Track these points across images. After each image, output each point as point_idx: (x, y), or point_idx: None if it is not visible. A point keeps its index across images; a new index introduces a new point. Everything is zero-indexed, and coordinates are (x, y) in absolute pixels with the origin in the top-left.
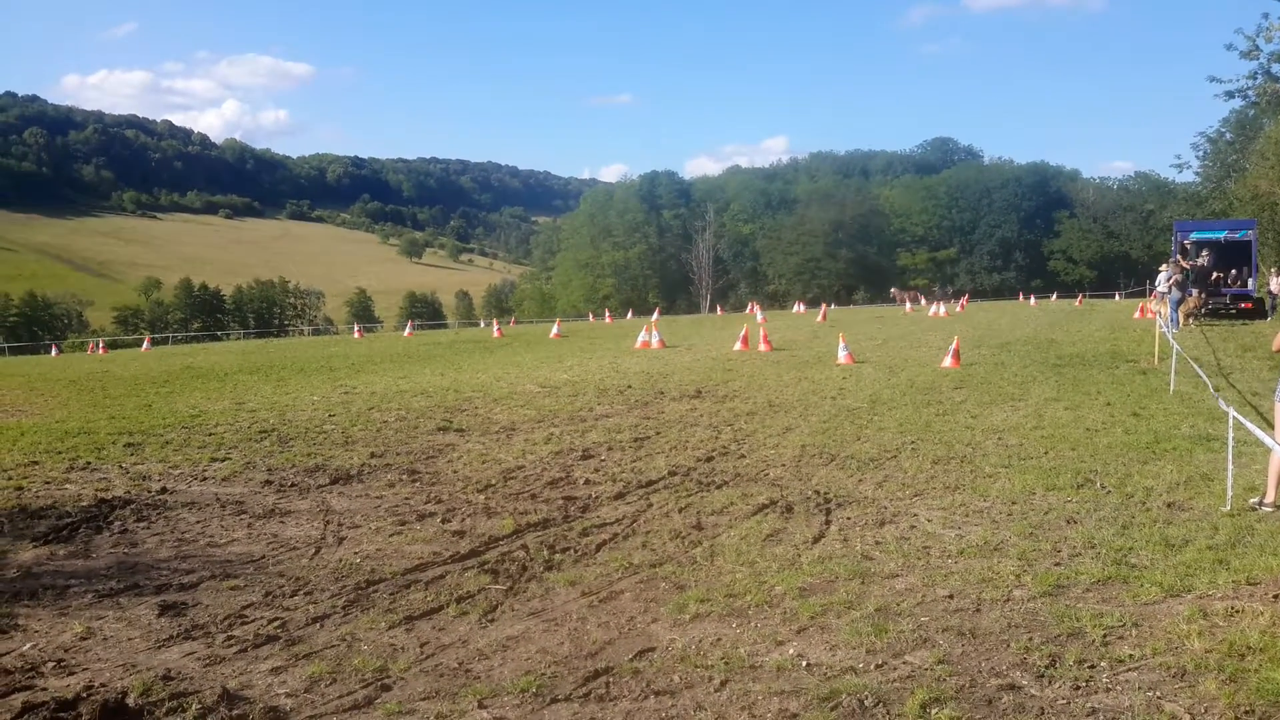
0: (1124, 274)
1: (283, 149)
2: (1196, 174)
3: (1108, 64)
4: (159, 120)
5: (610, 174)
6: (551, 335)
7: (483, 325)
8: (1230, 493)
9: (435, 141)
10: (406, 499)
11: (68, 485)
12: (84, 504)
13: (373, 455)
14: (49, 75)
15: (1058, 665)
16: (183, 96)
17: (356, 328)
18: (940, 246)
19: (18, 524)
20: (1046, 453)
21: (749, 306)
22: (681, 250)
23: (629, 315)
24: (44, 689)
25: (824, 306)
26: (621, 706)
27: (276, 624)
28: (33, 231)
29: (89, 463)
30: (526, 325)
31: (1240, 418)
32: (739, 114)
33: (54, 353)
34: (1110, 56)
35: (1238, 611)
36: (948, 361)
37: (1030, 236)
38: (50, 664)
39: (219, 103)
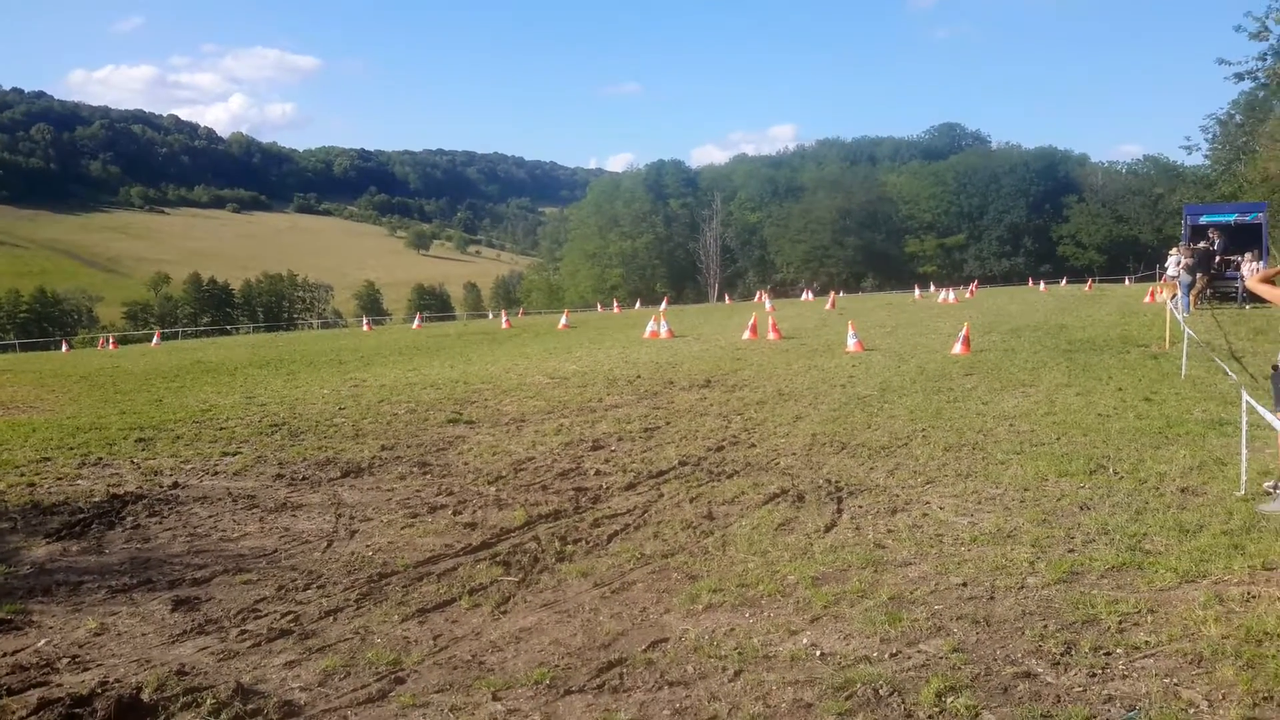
0: (1134, 258)
1: (289, 142)
2: (1206, 157)
3: (1116, 47)
4: (165, 115)
5: (617, 164)
6: (560, 326)
7: (491, 317)
8: (1244, 477)
9: (441, 133)
10: (417, 491)
11: (80, 481)
12: (96, 500)
13: (383, 448)
14: (55, 71)
15: (1073, 652)
16: (189, 91)
17: (365, 320)
18: (949, 233)
19: (30, 520)
20: (1058, 439)
21: (757, 295)
22: (689, 239)
23: (637, 305)
24: (59, 685)
25: (833, 294)
26: (636, 698)
27: (290, 618)
28: (41, 228)
29: (100, 458)
30: (535, 316)
31: (1253, 402)
32: (745, 102)
33: (64, 349)
34: (1118, 39)
35: (1254, 597)
36: (958, 348)
37: (1039, 222)
38: (65, 660)
39: (225, 96)
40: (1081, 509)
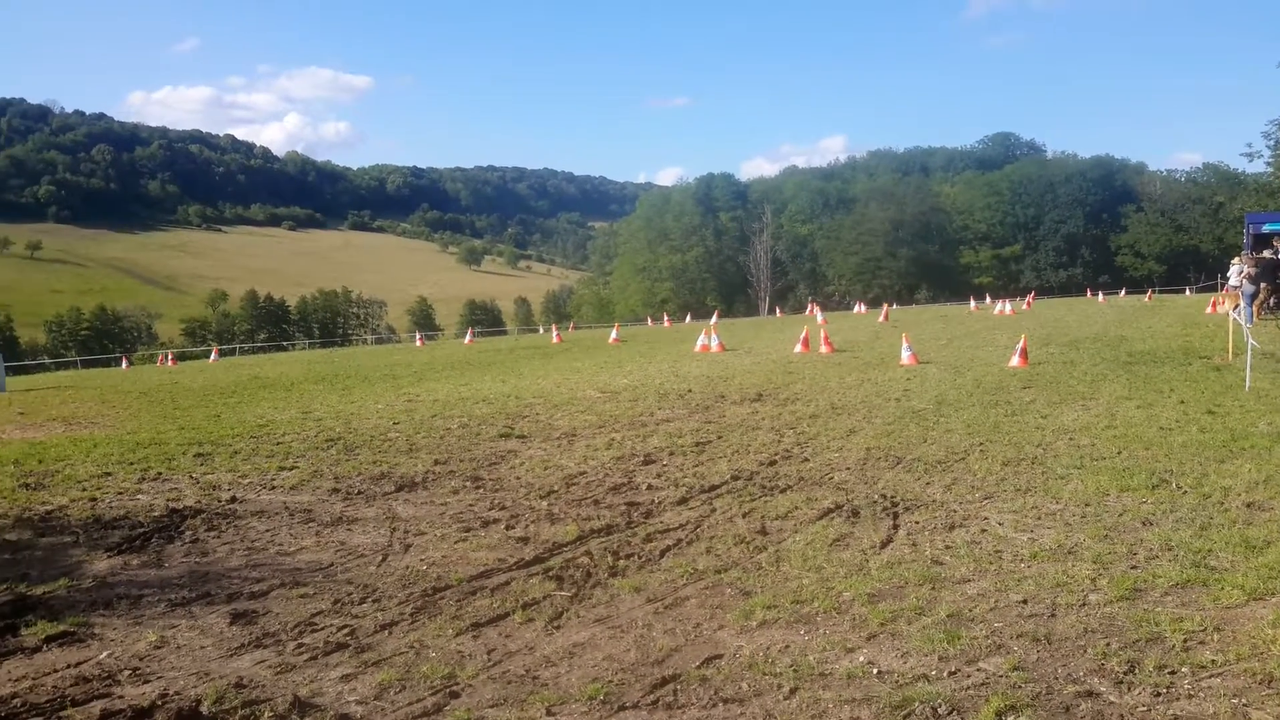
0: (1194, 268)
1: (343, 160)
2: (1268, 164)
3: (1174, 53)
4: (222, 135)
5: (666, 178)
6: (610, 340)
7: (542, 331)
8: None
9: (492, 149)
10: (471, 505)
11: (140, 495)
12: (156, 514)
13: (437, 462)
14: (115, 93)
15: (1137, 671)
16: (245, 110)
17: (418, 336)
18: (1004, 243)
19: (92, 534)
20: (1120, 453)
21: (809, 308)
22: (739, 253)
23: (687, 319)
24: (120, 697)
25: (885, 306)
26: (690, 714)
27: (346, 631)
28: (102, 246)
29: (160, 473)
30: (585, 331)
31: None
32: (795, 114)
33: (124, 365)
34: (1176, 45)
35: None
36: (1015, 360)
37: (1096, 232)
38: (126, 672)
39: (281, 116)
40: (1144, 524)
